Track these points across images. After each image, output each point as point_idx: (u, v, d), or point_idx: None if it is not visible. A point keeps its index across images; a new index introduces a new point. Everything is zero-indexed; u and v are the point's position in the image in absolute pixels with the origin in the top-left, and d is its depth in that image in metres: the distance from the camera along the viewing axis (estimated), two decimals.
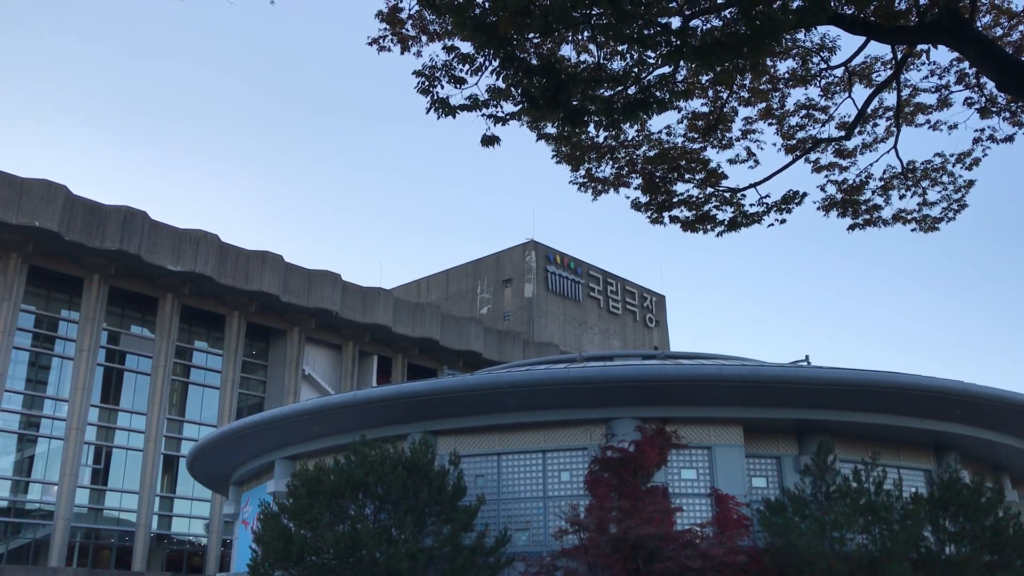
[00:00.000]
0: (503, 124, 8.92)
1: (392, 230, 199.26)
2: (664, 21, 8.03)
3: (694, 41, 7.77)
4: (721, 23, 8.10)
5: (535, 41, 8.37)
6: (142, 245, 56.69)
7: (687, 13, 7.98)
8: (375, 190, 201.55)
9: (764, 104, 11.95)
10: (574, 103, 8.27)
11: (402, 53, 9.24)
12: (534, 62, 8.16)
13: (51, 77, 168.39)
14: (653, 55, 8.24)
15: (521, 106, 8.36)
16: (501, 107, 8.81)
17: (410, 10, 8.93)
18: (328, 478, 23.86)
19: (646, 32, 7.74)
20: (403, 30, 9.16)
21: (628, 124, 9.68)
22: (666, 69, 8.62)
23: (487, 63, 8.09)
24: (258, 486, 34.09)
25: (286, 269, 64.30)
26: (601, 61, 8.73)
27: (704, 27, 8.09)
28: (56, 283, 57.44)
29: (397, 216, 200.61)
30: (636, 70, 8.50)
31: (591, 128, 9.10)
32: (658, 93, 8.40)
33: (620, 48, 8.43)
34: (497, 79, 8.28)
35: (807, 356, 28.45)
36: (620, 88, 8.73)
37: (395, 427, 27.51)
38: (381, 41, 9.36)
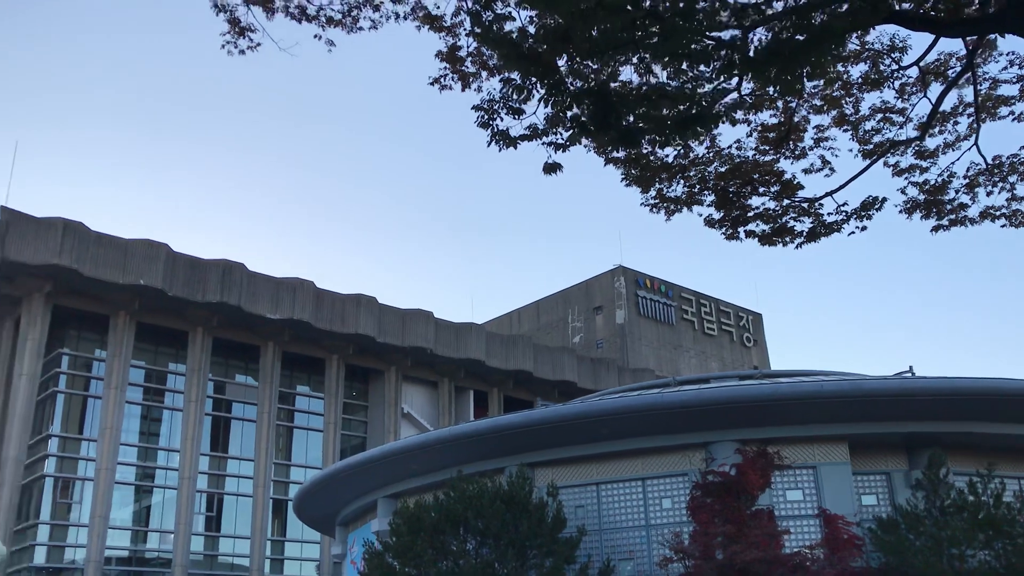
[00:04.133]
0: (563, 151, 8.97)
1: (481, 265, 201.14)
2: (716, 35, 7.93)
3: (749, 52, 7.63)
4: (772, 33, 7.94)
5: (578, 61, 8.36)
6: (242, 296, 58.57)
7: (735, 23, 7.85)
8: (462, 227, 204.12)
9: (837, 111, 11.67)
10: (626, 124, 8.23)
11: (463, 90, 9.38)
12: (580, 85, 8.18)
13: (140, 139, 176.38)
14: (707, 70, 8.16)
15: (571, 131, 8.38)
16: (560, 134, 8.86)
17: (468, 48, 9.10)
18: (428, 515, 24.03)
19: (695, 47, 7.66)
20: (463, 67, 9.32)
21: (686, 140, 9.54)
22: (723, 84, 8.50)
23: (534, 91, 8.14)
24: (363, 526, 34.53)
25: (380, 310, 65.50)
26: (652, 80, 8.69)
27: (760, 37, 7.94)
28: (162, 337, 59.70)
29: (486, 251, 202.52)
30: (690, 86, 8.42)
31: (647, 146, 9.04)
32: (713, 108, 8.28)
33: (672, 65, 8.36)
34: (545, 106, 8.32)
35: (911, 367, 27.45)
36: (674, 105, 8.65)
37: (492, 461, 27.54)
38: (442, 80, 9.53)
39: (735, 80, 8.71)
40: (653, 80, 8.40)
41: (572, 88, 8.04)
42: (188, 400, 58.51)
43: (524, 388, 73.61)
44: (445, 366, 69.83)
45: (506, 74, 8.42)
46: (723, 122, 8.81)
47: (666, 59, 7.82)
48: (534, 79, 7.84)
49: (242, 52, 9.36)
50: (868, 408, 24.52)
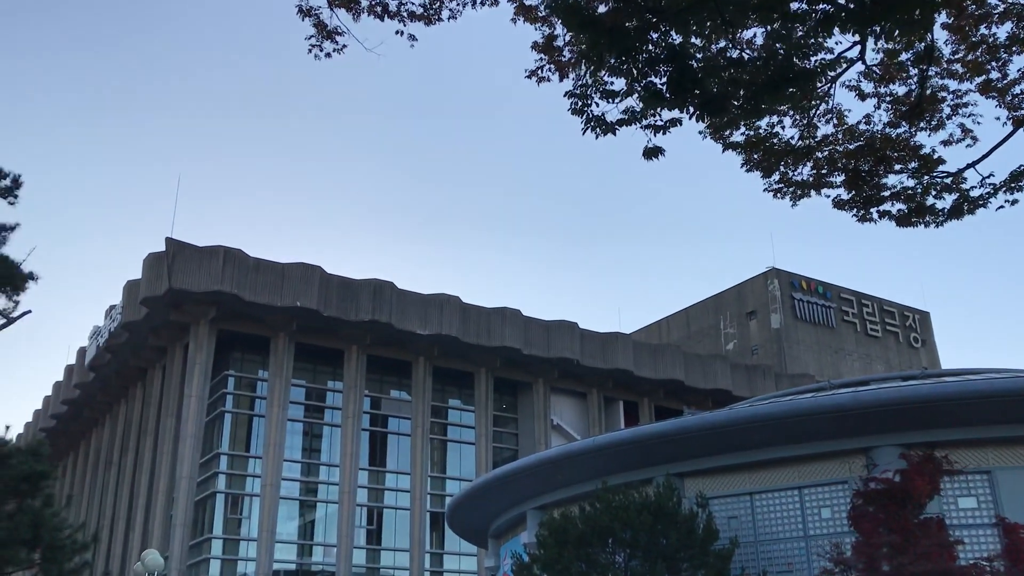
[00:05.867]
0: (663, 133, 8.45)
1: (628, 275, 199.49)
2: None
3: (850, 3, 6.89)
4: None
5: (653, 23, 7.79)
6: (392, 313, 60.13)
7: None
8: (606, 236, 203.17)
9: (982, 77, 10.57)
10: (713, 88, 7.62)
11: (561, 80, 9.00)
12: (653, 51, 7.63)
13: (287, 165, 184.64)
14: (800, 27, 7.46)
15: (644, 101, 7.83)
16: (659, 116, 8.36)
17: (564, 36, 8.75)
18: (574, 526, 23.67)
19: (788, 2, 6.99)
20: (560, 57, 8.97)
21: (782, 104, 8.80)
22: (822, 41, 7.73)
23: (599, 61, 7.66)
24: (513, 538, 34.48)
25: (525, 323, 65.82)
26: (736, 38, 8.03)
27: None
28: (319, 357, 61.97)
29: (632, 261, 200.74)
30: (779, 46, 7.70)
31: (737, 115, 8.40)
32: (804, 65, 7.53)
33: (765, 25, 7.69)
34: (616, 76, 7.82)
35: None
36: (763, 67, 7.95)
37: (638, 471, 26.91)
38: (539, 72, 9.21)
39: (857, 47, 7.98)
40: (739, 38, 7.78)
41: (646, 53, 7.53)
42: (346, 416, 60.43)
43: (675, 398, 72.20)
44: (592, 377, 69.38)
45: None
46: (823, 81, 8.05)
47: (751, 17, 7.22)
48: (603, 44, 7.38)
49: (328, 55, 9.34)
50: None
